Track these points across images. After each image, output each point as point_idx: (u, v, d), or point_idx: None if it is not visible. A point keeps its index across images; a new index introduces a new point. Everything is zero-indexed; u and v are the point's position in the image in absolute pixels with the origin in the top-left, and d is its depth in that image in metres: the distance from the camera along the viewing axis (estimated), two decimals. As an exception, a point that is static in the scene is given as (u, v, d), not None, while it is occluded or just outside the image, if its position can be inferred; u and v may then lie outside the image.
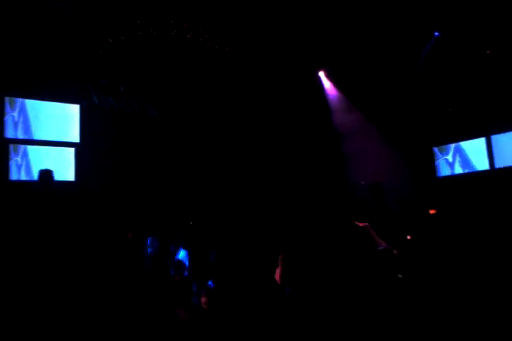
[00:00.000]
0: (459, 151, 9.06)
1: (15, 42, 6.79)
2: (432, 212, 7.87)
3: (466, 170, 8.87)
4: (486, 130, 8.56)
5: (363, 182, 8.84)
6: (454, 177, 8.96)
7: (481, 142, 8.67)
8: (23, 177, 7.14)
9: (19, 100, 7.29)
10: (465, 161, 8.97)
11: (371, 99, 9.07)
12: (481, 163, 8.65)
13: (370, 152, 9.00)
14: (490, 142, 8.54)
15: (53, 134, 7.56)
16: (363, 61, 8.59)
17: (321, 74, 9.80)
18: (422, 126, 9.17)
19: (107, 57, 7.89)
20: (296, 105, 9.34)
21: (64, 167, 7.46)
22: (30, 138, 7.38)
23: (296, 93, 9.31)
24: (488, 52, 8.06)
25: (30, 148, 7.33)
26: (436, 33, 8.47)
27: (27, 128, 7.34)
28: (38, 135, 7.45)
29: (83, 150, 7.77)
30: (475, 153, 8.78)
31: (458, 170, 9.04)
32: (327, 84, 9.79)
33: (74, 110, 7.78)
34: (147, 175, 8.32)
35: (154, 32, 7.97)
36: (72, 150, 7.69)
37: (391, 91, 8.98)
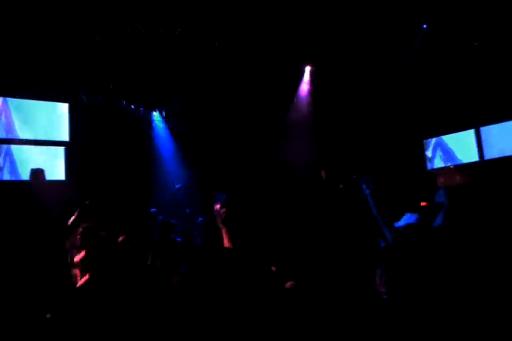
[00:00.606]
0: (441, 145, 9.11)
1: (2, 41, 6.73)
2: (423, 204, 7.92)
3: (449, 164, 8.92)
4: (475, 122, 8.61)
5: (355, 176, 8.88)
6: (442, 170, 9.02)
7: (469, 134, 8.71)
8: (6, 177, 7.10)
9: (4, 99, 7.24)
10: (447, 154, 9.00)
11: (358, 91, 9.09)
12: (469, 156, 8.69)
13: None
14: (479, 134, 8.58)
15: (42, 133, 7.53)
16: (350, 54, 8.59)
17: (307, 68, 9.70)
18: (411, 118, 9.21)
19: (95, 55, 7.85)
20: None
21: (54, 166, 7.44)
22: (18, 137, 7.35)
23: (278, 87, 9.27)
24: (476, 44, 8.09)
25: (14, 147, 7.29)
26: (425, 25, 8.50)
27: (13, 127, 7.30)
28: (27, 134, 7.41)
29: (73, 149, 7.74)
30: (461, 145, 8.82)
31: (439, 164, 9.09)
32: (306, 78, 9.68)
33: (63, 109, 7.74)
34: (137, 173, 8.31)
35: (142, 29, 7.94)
36: (61, 149, 7.67)
37: (380, 84, 9.00)
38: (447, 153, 8.98)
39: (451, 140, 8.99)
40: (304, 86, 9.62)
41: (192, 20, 8.02)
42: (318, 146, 9.36)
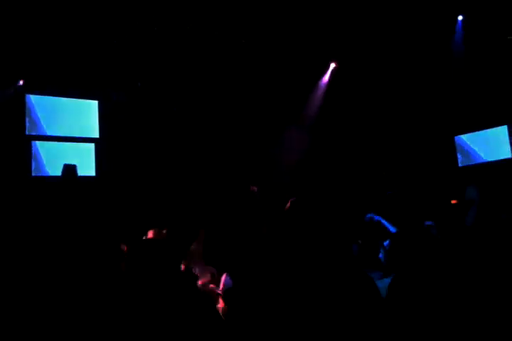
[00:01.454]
0: (476, 140, 8.89)
1: (32, 41, 6.91)
2: (453, 202, 7.76)
3: (485, 160, 8.70)
4: (508, 117, 8.37)
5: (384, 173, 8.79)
6: (476, 167, 8.79)
7: (502, 130, 8.46)
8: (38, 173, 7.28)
9: (39, 97, 7.44)
10: (484, 150, 8.78)
11: (387, 87, 8.96)
12: (503, 152, 8.45)
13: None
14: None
15: (73, 130, 7.71)
16: (379, 49, 8.48)
17: (332, 65, 9.61)
18: (443, 114, 9.03)
19: (124, 53, 7.97)
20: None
21: (85, 162, 7.60)
22: (51, 134, 7.54)
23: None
24: (509, 37, 7.86)
25: (47, 144, 7.48)
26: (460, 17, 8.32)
27: (48, 125, 7.50)
28: (59, 131, 7.60)
29: (103, 146, 7.90)
30: (494, 142, 8.58)
31: (476, 159, 8.87)
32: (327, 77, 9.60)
33: (92, 106, 7.90)
34: (166, 170, 8.40)
35: (170, 26, 8.02)
36: (92, 145, 7.83)
37: (410, 79, 8.86)
38: (481, 148, 8.76)
39: (483, 136, 8.76)
40: (325, 80, 9.55)
41: (218, 17, 8.05)
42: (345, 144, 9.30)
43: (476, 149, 8.82)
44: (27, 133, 7.25)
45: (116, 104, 8.09)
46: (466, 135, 8.99)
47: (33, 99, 7.36)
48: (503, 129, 8.43)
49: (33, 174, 7.21)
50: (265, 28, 8.18)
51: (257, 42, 8.49)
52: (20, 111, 7.18)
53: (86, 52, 7.51)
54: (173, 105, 8.86)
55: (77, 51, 7.39)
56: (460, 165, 8.88)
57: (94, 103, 7.94)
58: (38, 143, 7.35)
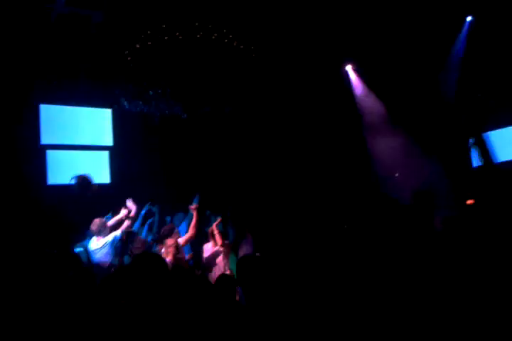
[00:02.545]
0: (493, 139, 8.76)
1: (46, 51, 7.05)
2: (469, 202, 7.65)
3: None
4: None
5: (397, 175, 8.71)
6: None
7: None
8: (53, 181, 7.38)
9: (53, 107, 7.57)
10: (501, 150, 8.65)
11: (400, 88, 8.91)
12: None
13: (401, 145, 8.88)
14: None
15: (88, 139, 7.82)
16: (391, 50, 8.46)
17: (349, 67, 9.68)
18: (457, 115, 8.94)
19: (134, 62, 8.08)
20: (322, 100, 9.27)
21: (99, 170, 7.70)
22: (66, 143, 7.65)
23: (323, 88, 9.24)
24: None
25: (61, 152, 7.60)
26: (469, 18, 8.29)
27: (62, 133, 7.61)
28: (73, 140, 7.72)
29: (117, 153, 7.99)
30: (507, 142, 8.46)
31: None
32: (353, 77, 9.67)
33: (106, 114, 8.01)
34: (180, 176, 8.44)
35: (180, 35, 8.12)
36: (106, 153, 7.93)
37: (423, 80, 8.81)
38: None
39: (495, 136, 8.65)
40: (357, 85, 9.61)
41: (229, 24, 8.13)
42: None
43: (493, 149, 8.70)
44: (42, 142, 7.37)
45: (129, 113, 8.19)
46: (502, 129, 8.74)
47: (48, 109, 7.49)
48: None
49: (49, 182, 7.31)
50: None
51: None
52: (34, 121, 7.31)
53: (99, 61, 7.64)
54: (185, 112, 8.95)
55: (90, 60, 7.53)
56: (475, 165, 8.76)
57: (108, 111, 8.04)
58: (52, 151, 7.46)
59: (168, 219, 6.67)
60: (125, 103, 8.21)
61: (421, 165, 8.46)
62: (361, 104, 9.61)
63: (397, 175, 8.66)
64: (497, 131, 8.70)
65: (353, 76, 9.69)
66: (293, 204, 8.34)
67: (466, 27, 8.42)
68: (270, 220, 7.44)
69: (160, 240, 5.43)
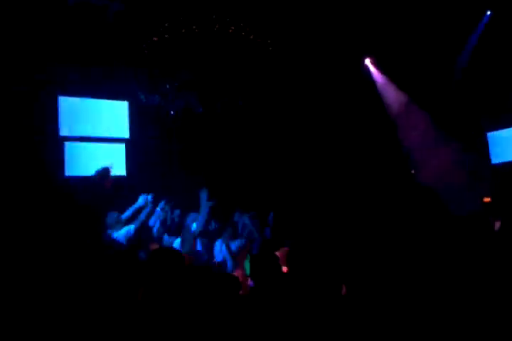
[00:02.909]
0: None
1: (64, 43, 7.11)
2: (486, 200, 7.58)
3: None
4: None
5: (413, 171, 8.66)
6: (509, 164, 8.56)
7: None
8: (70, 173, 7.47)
9: (71, 99, 7.65)
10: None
11: (420, 83, 8.82)
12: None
13: (423, 140, 8.81)
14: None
15: (105, 131, 7.90)
16: (410, 45, 8.36)
17: (367, 61, 9.60)
18: (475, 111, 8.83)
19: (152, 55, 8.10)
20: (345, 94, 9.21)
21: (115, 162, 7.77)
22: (84, 135, 7.74)
23: (344, 82, 9.18)
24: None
25: (79, 144, 7.68)
26: (488, 13, 8.16)
27: (80, 125, 7.70)
28: (91, 132, 7.80)
29: (133, 146, 8.05)
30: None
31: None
32: (374, 71, 9.58)
33: (123, 107, 8.08)
34: (195, 169, 8.48)
35: (197, 28, 8.11)
36: (122, 145, 8.00)
37: (441, 76, 8.70)
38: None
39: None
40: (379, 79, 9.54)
41: (246, 18, 8.10)
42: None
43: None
44: (60, 134, 7.46)
45: (145, 105, 8.23)
46: (500, 131, 8.74)
47: (66, 101, 7.57)
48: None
49: (67, 174, 7.41)
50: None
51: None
52: (53, 113, 7.40)
53: (116, 54, 7.68)
54: (201, 106, 8.96)
55: (107, 53, 7.57)
56: (493, 162, 8.65)
57: (125, 104, 8.10)
58: (71, 143, 7.55)
59: (177, 212, 6.60)
60: (142, 96, 8.25)
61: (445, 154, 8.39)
62: (384, 95, 9.53)
63: (413, 171, 8.60)
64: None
65: (372, 69, 9.61)
66: (326, 199, 8.33)
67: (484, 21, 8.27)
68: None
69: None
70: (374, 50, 9.13)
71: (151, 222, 5.93)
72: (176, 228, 5.81)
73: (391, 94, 9.48)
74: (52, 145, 7.33)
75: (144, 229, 5.49)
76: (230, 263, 5.62)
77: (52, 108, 7.38)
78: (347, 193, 8.52)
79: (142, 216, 5.75)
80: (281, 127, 9.23)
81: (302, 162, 9.10)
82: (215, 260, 5.80)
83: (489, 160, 8.85)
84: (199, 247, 5.89)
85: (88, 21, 6.96)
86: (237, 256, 5.64)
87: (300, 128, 9.26)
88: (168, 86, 8.64)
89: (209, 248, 6.04)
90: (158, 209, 6.05)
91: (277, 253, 5.56)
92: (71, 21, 6.88)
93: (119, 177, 7.82)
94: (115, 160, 7.79)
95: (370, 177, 8.77)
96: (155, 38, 8.08)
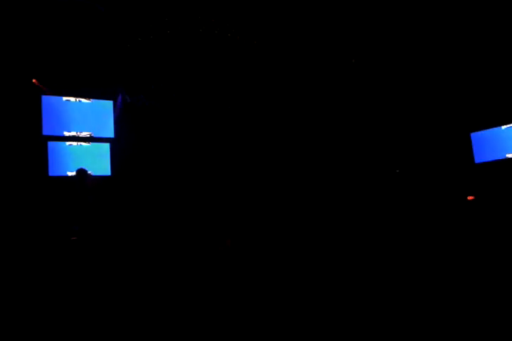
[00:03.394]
0: (493, 137, 8.76)
1: (48, 42, 7.06)
2: (469, 198, 7.66)
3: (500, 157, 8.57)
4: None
5: (397, 171, 8.71)
6: (492, 164, 8.65)
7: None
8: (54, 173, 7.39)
9: (55, 98, 7.57)
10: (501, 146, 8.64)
11: (402, 83, 8.90)
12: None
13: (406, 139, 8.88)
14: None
15: (89, 130, 7.83)
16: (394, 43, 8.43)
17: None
18: (458, 110, 8.93)
19: (136, 56, 8.08)
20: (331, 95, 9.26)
21: (100, 162, 7.72)
22: (67, 134, 7.66)
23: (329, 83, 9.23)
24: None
25: (63, 144, 7.60)
26: None
27: (64, 125, 7.62)
28: (75, 131, 7.73)
29: (118, 145, 7.98)
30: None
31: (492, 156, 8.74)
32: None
33: (107, 106, 8.01)
34: (180, 170, 8.45)
35: (182, 29, 8.11)
36: (107, 145, 7.92)
37: (423, 75, 8.78)
38: (501, 145, 8.63)
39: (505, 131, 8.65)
40: None
41: (231, 19, 8.11)
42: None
43: (493, 145, 8.70)
44: (43, 133, 7.38)
45: (130, 105, 8.19)
46: (482, 131, 8.89)
47: (49, 100, 7.50)
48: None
49: (50, 174, 7.32)
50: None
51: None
52: (36, 112, 7.31)
53: (101, 53, 7.64)
54: (186, 106, 8.93)
55: (92, 52, 7.53)
56: (476, 161, 8.76)
57: (110, 103, 8.04)
58: (54, 143, 7.47)
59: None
60: (127, 97, 8.21)
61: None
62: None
63: (397, 171, 8.65)
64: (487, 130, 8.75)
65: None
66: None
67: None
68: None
69: None
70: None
71: None
72: None
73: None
74: (34, 144, 7.24)
75: None
76: None
77: (35, 107, 7.30)
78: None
79: None
80: (267, 126, 9.24)
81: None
82: None
83: (473, 159, 8.94)
84: None
85: (73, 19, 6.91)
86: None
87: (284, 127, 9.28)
88: (152, 86, 8.62)
89: None
90: None
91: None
92: (55, 19, 6.83)
93: (103, 177, 7.79)
94: (100, 160, 7.76)
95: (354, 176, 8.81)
96: (139, 38, 8.07)
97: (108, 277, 4.25)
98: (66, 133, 7.60)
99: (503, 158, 8.45)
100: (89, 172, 6.85)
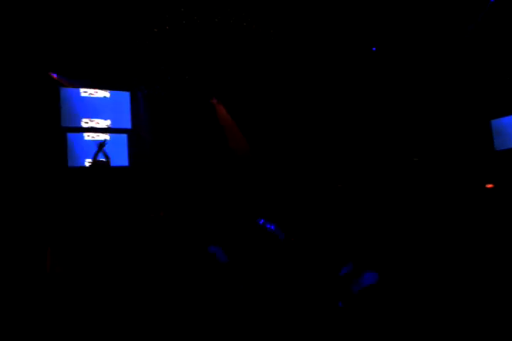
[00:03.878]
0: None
1: (66, 33, 7.13)
2: (489, 186, 7.53)
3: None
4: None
5: (416, 159, 8.61)
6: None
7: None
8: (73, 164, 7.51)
9: (73, 90, 7.67)
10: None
11: (420, 70, 8.76)
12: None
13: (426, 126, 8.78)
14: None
15: (106, 121, 7.93)
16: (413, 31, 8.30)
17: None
18: (478, 97, 8.76)
19: (153, 47, 8.11)
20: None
21: (118, 152, 7.81)
22: (86, 126, 7.77)
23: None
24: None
25: (81, 135, 7.72)
26: None
27: (82, 116, 7.73)
28: (93, 122, 7.83)
29: (135, 136, 8.07)
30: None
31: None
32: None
33: (125, 97, 8.09)
34: (198, 160, 8.49)
35: (198, 19, 8.10)
36: (125, 136, 8.02)
37: (443, 60, 8.62)
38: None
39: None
40: None
41: (247, 8, 8.07)
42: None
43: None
44: (62, 125, 7.49)
45: (148, 96, 8.24)
46: (504, 118, 8.71)
47: (67, 92, 7.60)
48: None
49: (69, 165, 7.45)
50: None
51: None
52: (55, 104, 7.42)
53: (119, 44, 7.69)
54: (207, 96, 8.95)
55: (110, 43, 7.58)
56: (497, 149, 8.61)
57: (127, 94, 8.11)
58: (73, 134, 7.59)
59: None
60: (143, 88, 8.27)
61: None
62: None
63: (416, 159, 8.54)
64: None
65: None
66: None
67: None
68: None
69: None
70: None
71: None
72: None
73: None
74: (53, 136, 7.36)
75: None
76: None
77: (53, 99, 7.41)
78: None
79: None
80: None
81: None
82: None
83: (492, 147, 8.79)
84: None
85: (89, 11, 6.97)
86: None
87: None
88: (169, 77, 8.66)
89: None
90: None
91: None
92: (71, 11, 6.90)
93: (121, 168, 7.88)
94: (118, 151, 7.86)
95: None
96: (155, 29, 8.08)
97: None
98: (84, 125, 7.72)
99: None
100: (105, 162, 6.94)
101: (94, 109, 7.80)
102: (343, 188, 7.53)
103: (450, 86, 8.78)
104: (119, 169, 7.80)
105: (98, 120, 7.84)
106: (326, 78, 9.30)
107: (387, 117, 9.24)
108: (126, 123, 8.03)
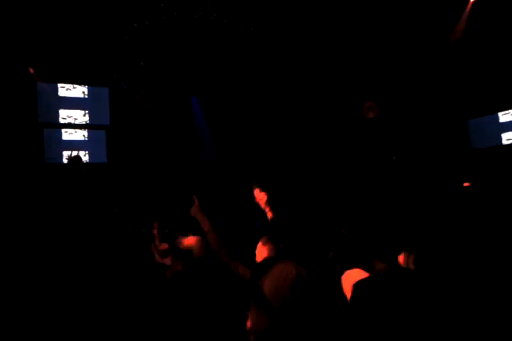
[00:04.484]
0: (489, 124, 8.76)
1: (43, 29, 7.00)
2: (466, 184, 7.65)
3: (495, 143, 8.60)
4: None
5: (394, 157, 8.70)
6: (488, 150, 8.66)
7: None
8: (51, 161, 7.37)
9: (51, 85, 7.53)
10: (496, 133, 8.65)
11: (400, 70, 8.86)
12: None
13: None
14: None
15: (85, 117, 7.80)
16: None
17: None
18: (456, 97, 8.91)
19: (132, 43, 8.02)
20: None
21: (96, 149, 7.71)
22: (63, 122, 7.64)
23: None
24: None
25: (58, 131, 7.58)
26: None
27: (59, 112, 7.60)
28: (70, 118, 7.70)
29: (114, 133, 7.97)
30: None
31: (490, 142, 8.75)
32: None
33: (103, 93, 7.98)
34: (176, 158, 8.44)
35: (178, 15, 8.03)
36: (103, 132, 7.91)
37: (422, 61, 8.74)
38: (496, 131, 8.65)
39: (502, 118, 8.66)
40: None
41: (228, 5, 8.04)
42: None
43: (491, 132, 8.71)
44: (39, 120, 7.35)
45: (126, 92, 8.15)
46: (480, 118, 8.89)
47: (44, 87, 7.45)
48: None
49: (46, 161, 7.32)
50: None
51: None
52: (32, 99, 7.28)
53: (97, 40, 7.58)
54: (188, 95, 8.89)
55: (88, 39, 7.47)
56: (473, 147, 8.79)
57: (105, 90, 8.00)
58: (49, 130, 7.45)
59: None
60: (123, 84, 8.17)
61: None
62: None
63: (394, 158, 8.64)
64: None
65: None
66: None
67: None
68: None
69: None
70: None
71: None
72: None
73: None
74: (30, 131, 7.22)
75: None
76: None
77: (30, 94, 7.26)
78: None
79: None
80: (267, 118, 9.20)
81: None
82: None
83: (469, 145, 8.96)
84: None
85: (68, 4, 6.85)
86: None
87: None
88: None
89: None
90: None
91: None
92: (49, 4, 6.77)
93: (99, 165, 7.78)
94: (96, 147, 7.75)
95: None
96: (135, 24, 8.00)
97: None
98: (62, 121, 7.58)
99: (499, 144, 8.48)
100: (84, 158, 6.85)
101: (72, 104, 7.68)
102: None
103: (429, 87, 8.90)
104: (97, 165, 7.70)
105: (76, 116, 7.71)
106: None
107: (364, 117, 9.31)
108: (105, 120, 7.92)
